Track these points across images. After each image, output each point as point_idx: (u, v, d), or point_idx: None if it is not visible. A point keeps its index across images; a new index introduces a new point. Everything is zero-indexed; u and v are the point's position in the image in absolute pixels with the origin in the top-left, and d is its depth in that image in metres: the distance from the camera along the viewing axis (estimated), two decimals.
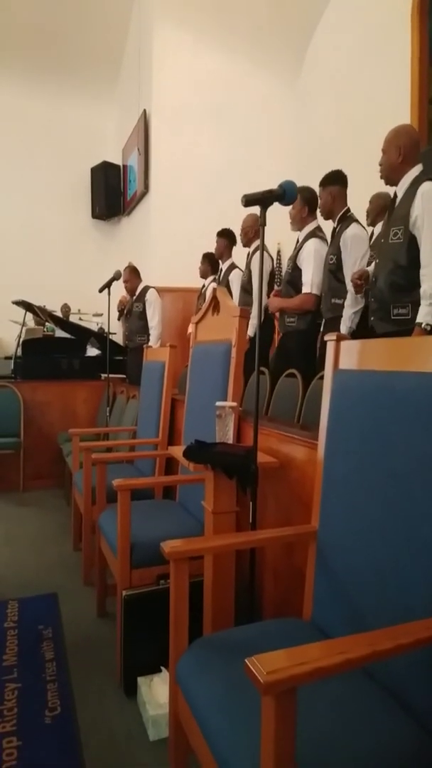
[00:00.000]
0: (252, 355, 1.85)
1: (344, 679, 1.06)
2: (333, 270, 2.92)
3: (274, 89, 5.80)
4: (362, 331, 2.71)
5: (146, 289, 4.59)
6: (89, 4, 5.81)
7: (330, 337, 1.42)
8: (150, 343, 4.44)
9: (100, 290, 3.67)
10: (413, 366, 1.14)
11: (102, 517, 2.28)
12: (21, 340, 4.96)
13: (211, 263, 4.68)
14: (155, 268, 5.36)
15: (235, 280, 4.18)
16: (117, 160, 6.80)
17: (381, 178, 2.52)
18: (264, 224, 1.63)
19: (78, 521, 3.09)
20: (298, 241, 3.31)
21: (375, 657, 0.83)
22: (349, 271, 2.80)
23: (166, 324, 4.99)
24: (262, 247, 1.66)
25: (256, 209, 1.65)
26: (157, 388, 2.90)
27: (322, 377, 1.62)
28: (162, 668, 1.75)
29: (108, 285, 3.64)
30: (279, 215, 3.36)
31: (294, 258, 3.28)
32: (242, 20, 5.42)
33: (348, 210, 3.00)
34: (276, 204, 1.60)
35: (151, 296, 4.54)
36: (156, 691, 1.69)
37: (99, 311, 5.92)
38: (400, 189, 2.41)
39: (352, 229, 2.86)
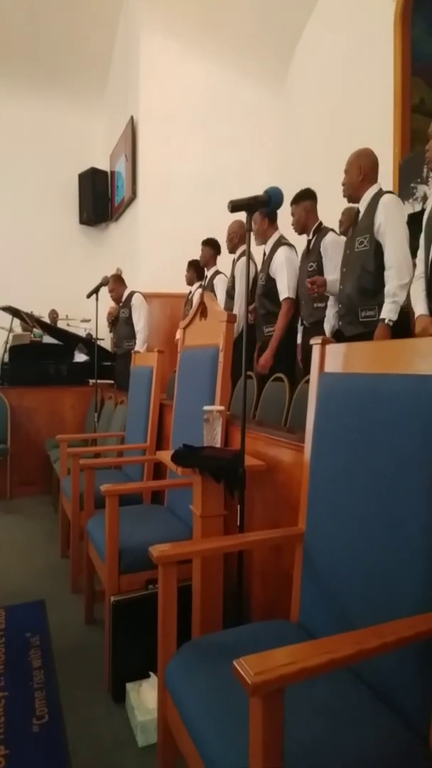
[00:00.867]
0: (236, 360, 1.88)
1: (332, 680, 1.06)
2: (314, 276, 3.02)
3: (260, 97, 5.85)
4: (335, 335, 2.84)
5: (132, 294, 4.61)
6: (77, 11, 5.83)
7: (315, 341, 1.44)
8: (136, 348, 4.45)
9: (88, 296, 3.67)
10: (397, 368, 1.15)
11: (90, 523, 2.27)
12: (8, 346, 4.93)
13: (196, 270, 4.72)
14: (143, 273, 5.36)
15: (220, 284, 4.21)
16: (105, 166, 6.81)
17: (344, 196, 2.71)
18: (250, 229, 1.65)
19: (66, 528, 3.07)
20: (265, 254, 3.38)
21: (361, 656, 0.84)
22: (330, 275, 2.93)
23: (154, 329, 5.00)
24: (249, 252, 1.67)
25: (242, 215, 1.66)
26: (145, 393, 2.90)
27: (308, 381, 1.64)
28: (151, 674, 1.75)
29: (96, 291, 3.64)
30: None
31: (266, 269, 3.35)
32: (229, 28, 5.47)
33: (321, 223, 3.17)
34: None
35: (136, 301, 4.56)
36: (145, 697, 1.68)
37: (87, 317, 5.90)
38: (362, 205, 2.61)
39: (331, 236, 3.06)
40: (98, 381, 4.03)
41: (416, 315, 2.30)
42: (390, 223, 2.45)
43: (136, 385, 3.09)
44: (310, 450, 1.38)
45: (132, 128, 5.60)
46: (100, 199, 6.83)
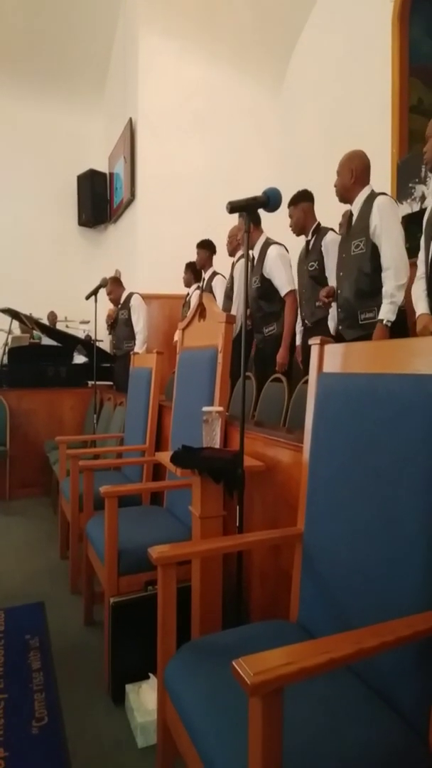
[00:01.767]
0: (234, 360, 1.88)
1: (330, 679, 1.06)
2: (315, 276, 3.02)
3: (259, 97, 5.85)
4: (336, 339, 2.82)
5: (130, 295, 4.61)
6: (76, 12, 5.83)
7: (314, 341, 1.44)
8: (135, 349, 4.45)
9: (87, 297, 3.67)
10: (395, 368, 1.15)
11: (89, 525, 2.27)
12: (7, 347, 4.93)
13: (194, 272, 4.73)
14: (142, 275, 5.36)
15: (218, 285, 4.21)
16: (103, 167, 6.82)
17: (337, 196, 2.70)
18: (248, 230, 1.65)
19: (65, 529, 3.07)
20: (254, 258, 3.37)
21: (360, 655, 0.84)
22: (332, 273, 2.91)
23: (153, 331, 5.00)
24: (247, 253, 1.67)
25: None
26: (144, 394, 2.90)
27: (306, 381, 1.64)
28: (150, 675, 1.75)
29: (95, 292, 3.64)
30: (267, 225, 3.41)
31: (259, 272, 3.34)
32: (227, 29, 5.48)
33: (319, 223, 3.17)
34: (263, 213, 1.63)
35: (135, 302, 4.56)
36: (144, 698, 1.68)
37: (86, 318, 5.90)
38: (355, 207, 2.61)
39: (331, 236, 3.05)
40: (97, 382, 4.03)
41: (417, 314, 2.31)
42: (386, 224, 2.44)
43: (135, 386, 3.09)
44: (309, 450, 1.38)
45: (131, 130, 5.60)
46: (98, 201, 6.83)
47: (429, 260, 2.26)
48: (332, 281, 2.88)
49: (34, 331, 5.69)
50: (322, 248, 3.03)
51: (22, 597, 2.60)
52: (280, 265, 3.24)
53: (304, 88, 5.55)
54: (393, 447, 1.09)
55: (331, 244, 3.00)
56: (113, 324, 4.88)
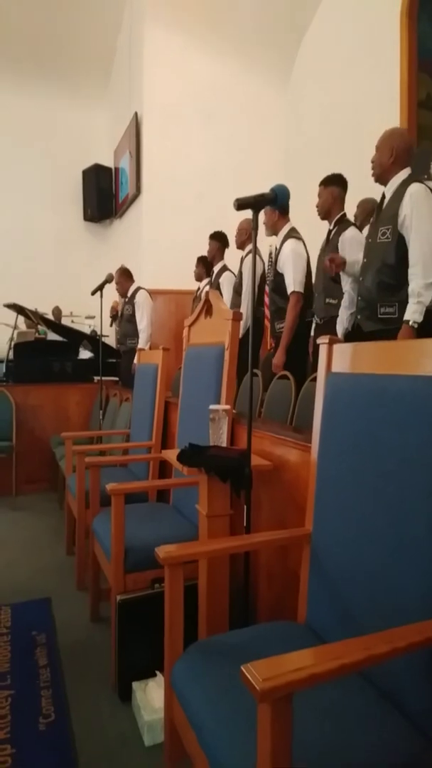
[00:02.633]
0: (241, 357, 1.86)
1: (340, 683, 1.06)
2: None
3: (265, 92, 5.81)
4: (354, 330, 2.73)
5: (137, 290, 4.58)
6: (81, 7, 5.80)
7: (323, 340, 1.43)
8: (140, 346, 4.43)
9: (93, 293, 3.66)
10: (405, 369, 1.14)
11: (96, 522, 2.27)
12: (13, 343, 4.93)
13: (205, 266, 4.69)
14: (147, 270, 5.35)
15: (226, 282, 4.18)
16: (108, 162, 6.79)
17: (372, 176, 2.53)
18: (257, 228, 1.63)
19: (71, 525, 3.07)
20: (276, 248, 3.32)
21: (370, 661, 0.83)
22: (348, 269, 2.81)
23: (159, 327, 4.99)
24: (255, 250, 1.66)
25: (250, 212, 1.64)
26: (150, 391, 2.89)
27: (314, 379, 1.63)
28: (157, 672, 1.75)
29: (101, 287, 3.63)
30: (294, 214, 3.37)
31: (275, 264, 3.30)
32: (233, 23, 5.43)
33: (345, 214, 3.03)
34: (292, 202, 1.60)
35: (140, 298, 4.53)
36: (151, 696, 1.68)
37: (91, 314, 5.90)
38: (389, 190, 2.43)
39: (351, 232, 2.89)
40: (103, 378, 4.03)
41: None
42: (416, 216, 2.25)
43: (141, 382, 3.08)
44: (317, 450, 1.38)
45: (136, 124, 5.57)
46: (104, 196, 6.81)
47: None
48: (345, 278, 2.79)
49: (40, 327, 5.68)
50: (339, 244, 2.89)
51: (29, 592, 2.61)
52: (290, 263, 3.18)
53: (311, 82, 5.50)
54: (402, 448, 1.08)
55: (348, 242, 2.86)
56: (115, 316, 4.85)
